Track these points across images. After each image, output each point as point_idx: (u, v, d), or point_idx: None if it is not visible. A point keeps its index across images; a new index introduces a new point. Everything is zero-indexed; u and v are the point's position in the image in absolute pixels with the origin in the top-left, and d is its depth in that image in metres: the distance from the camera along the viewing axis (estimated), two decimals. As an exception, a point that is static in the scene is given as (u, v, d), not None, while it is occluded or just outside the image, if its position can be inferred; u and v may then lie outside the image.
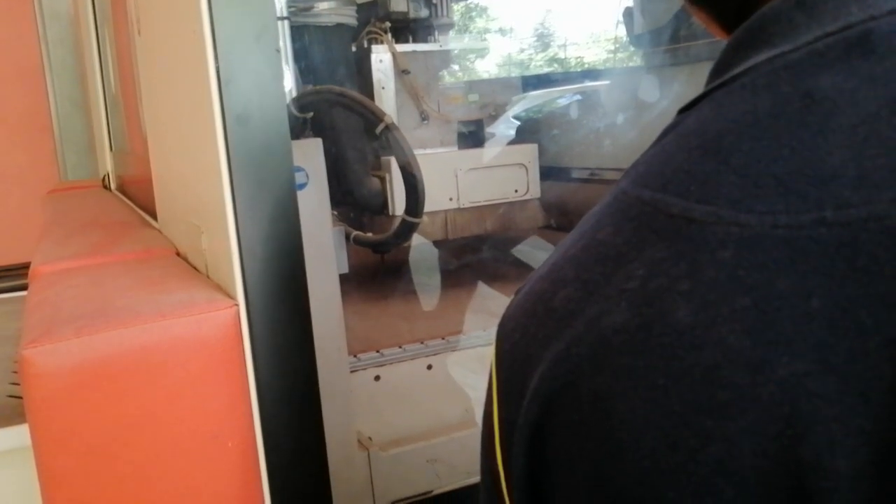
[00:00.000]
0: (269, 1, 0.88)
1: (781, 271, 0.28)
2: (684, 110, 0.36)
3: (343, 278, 1.31)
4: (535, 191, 2.06)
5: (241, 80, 0.86)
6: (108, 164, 2.29)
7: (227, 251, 0.88)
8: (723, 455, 0.28)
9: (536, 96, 2.25)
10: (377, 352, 1.61)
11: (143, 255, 1.22)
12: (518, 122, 2.25)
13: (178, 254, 1.21)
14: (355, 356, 1.57)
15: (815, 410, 0.27)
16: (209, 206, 0.95)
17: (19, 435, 1.00)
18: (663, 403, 0.29)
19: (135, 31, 1.39)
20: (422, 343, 1.66)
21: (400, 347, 1.64)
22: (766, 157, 0.30)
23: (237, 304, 0.88)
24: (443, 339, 1.68)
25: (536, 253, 1.93)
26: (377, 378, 1.53)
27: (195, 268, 1.10)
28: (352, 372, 1.49)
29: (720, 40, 0.41)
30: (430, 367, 1.59)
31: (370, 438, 1.37)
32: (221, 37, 0.85)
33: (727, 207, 0.30)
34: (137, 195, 1.81)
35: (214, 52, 0.85)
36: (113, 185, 2.26)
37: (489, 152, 2.02)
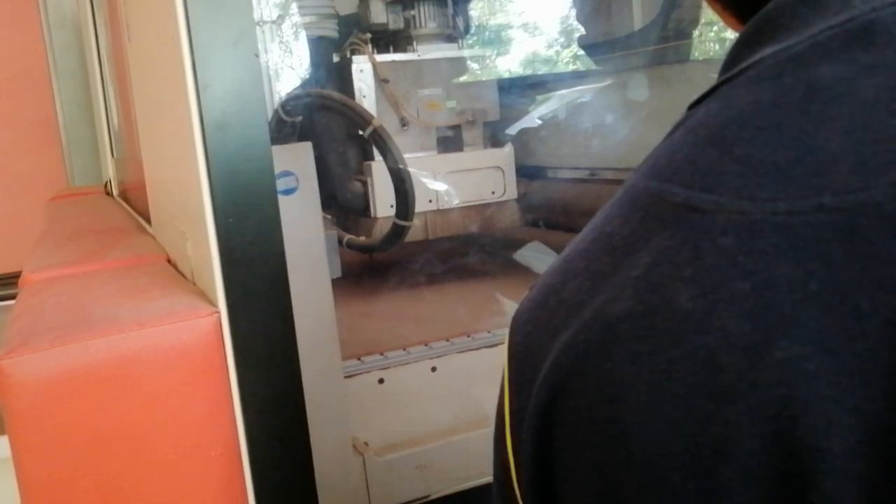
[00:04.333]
0: (248, 5, 0.87)
1: (780, 257, 0.29)
2: (694, 105, 0.37)
3: (338, 279, 1.31)
4: (511, 192, 2.11)
5: (218, 86, 0.85)
6: (109, 169, 2.30)
7: (209, 257, 0.87)
8: (722, 438, 0.28)
9: (527, 101, 2.27)
10: (381, 354, 1.59)
11: (134, 262, 1.21)
12: (540, 122, 2.26)
13: (168, 260, 1.21)
14: (359, 359, 1.56)
15: (811, 393, 0.27)
16: (191, 212, 0.95)
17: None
18: (666, 388, 0.30)
19: (126, 37, 1.39)
20: (426, 345, 1.65)
21: (404, 350, 1.63)
22: (767, 146, 0.31)
23: (218, 312, 0.87)
24: (447, 340, 1.66)
25: (539, 256, 1.94)
26: (381, 381, 1.52)
27: (183, 274, 1.09)
28: (355, 375, 1.48)
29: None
30: (434, 369, 1.58)
31: (366, 444, 1.35)
32: (199, 42, 0.84)
33: (729, 195, 0.31)
34: (136, 201, 1.81)
35: (192, 58, 0.84)
36: (115, 191, 2.26)
37: (467, 156, 2.06)
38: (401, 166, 1.48)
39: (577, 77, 2.23)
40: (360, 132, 1.67)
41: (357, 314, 1.83)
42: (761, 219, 0.29)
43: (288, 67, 1.93)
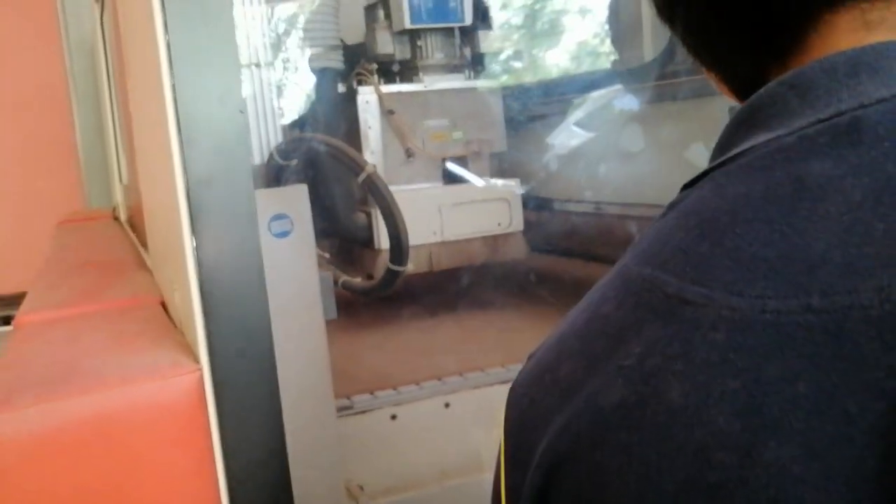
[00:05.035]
0: (234, 61, 0.87)
1: (770, 356, 0.28)
2: (687, 186, 0.37)
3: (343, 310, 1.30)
4: (518, 224, 2.09)
5: (203, 142, 0.85)
6: (117, 194, 2.31)
7: (191, 314, 0.87)
8: None
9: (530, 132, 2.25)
10: (394, 389, 1.58)
11: (128, 304, 1.21)
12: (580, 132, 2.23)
13: (162, 303, 1.20)
14: (371, 394, 1.55)
15: (799, 496, 0.27)
16: (178, 265, 0.94)
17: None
18: (655, 481, 0.30)
19: (127, 70, 1.39)
20: (439, 380, 1.63)
21: (417, 385, 1.61)
22: (757, 240, 0.31)
23: (200, 369, 0.87)
24: (460, 375, 1.65)
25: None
26: (394, 417, 1.51)
27: (173, 320, 1.09)
28: (367, 412, 1.47)
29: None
30: (447, 405, 1.56)
31: (361, 487, 1.34)
32: (183, 97, 0.84)
33: (720, 290, 0.31)
34: (140, 229, 1.82)
35: (176, 113, 0.84)
36: (122, 217, 2.27)
37: (473, 188, 2.03)
38: (394, 213, 1.47)
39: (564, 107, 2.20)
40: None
41: (366, 347, 1.82)
42: (751, 316, 0.29)
43: (293, 86, 1.92)
